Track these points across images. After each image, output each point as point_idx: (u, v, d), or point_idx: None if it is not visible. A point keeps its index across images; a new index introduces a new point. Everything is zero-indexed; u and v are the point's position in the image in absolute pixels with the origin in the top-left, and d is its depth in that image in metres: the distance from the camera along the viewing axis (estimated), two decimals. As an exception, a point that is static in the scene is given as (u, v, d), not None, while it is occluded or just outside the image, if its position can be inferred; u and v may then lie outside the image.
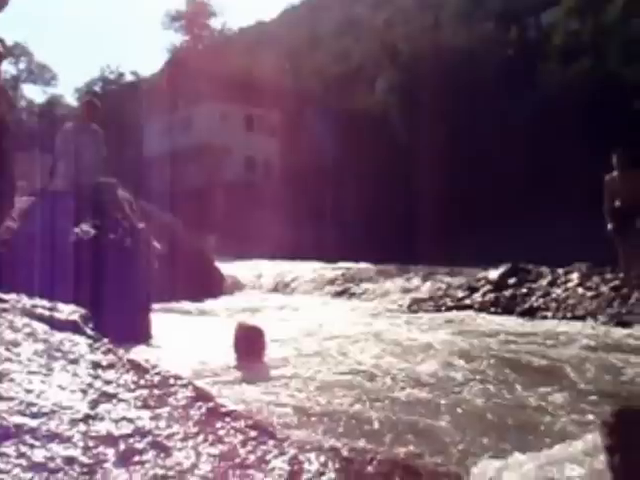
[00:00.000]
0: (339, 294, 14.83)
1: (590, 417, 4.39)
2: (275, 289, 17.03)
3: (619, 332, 8.04)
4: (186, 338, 7.66)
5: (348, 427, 4.17)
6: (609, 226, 10.35)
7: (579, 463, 3.34)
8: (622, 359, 6.32)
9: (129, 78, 64.20)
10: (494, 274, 12.07)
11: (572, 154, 18.12)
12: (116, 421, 2.63)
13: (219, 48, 50.67)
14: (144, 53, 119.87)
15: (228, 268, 17.64)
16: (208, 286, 14.39)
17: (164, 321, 8.87)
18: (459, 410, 4.59)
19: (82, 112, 8.28)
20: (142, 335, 6.86)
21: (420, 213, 25.50)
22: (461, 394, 5.04)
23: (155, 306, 8.35)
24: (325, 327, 8.81)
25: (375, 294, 13.83)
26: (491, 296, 11.02)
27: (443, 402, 4.77)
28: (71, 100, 67.25)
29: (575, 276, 11.14)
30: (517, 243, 16.31)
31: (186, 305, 11.77)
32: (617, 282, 10.59)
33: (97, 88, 61.33)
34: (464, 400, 4.87)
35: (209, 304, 12.60)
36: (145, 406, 2.93)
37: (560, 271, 11.32)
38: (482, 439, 3.99)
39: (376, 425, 4.24)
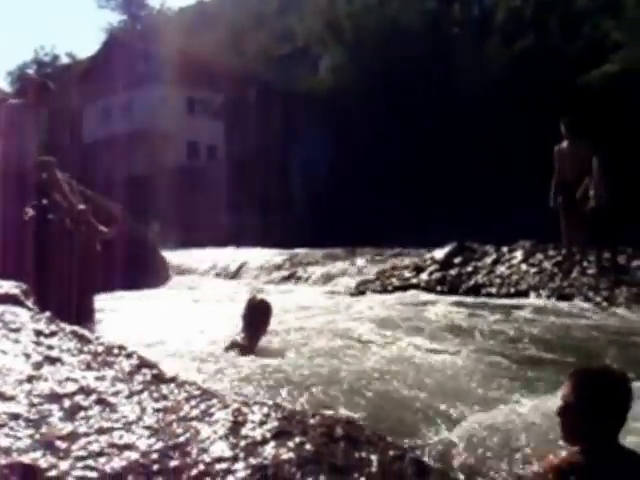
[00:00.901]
0: (286, 279, 15.04)
1: (533, 379, 4.70)
2: (221, 275, 17.17)
3: (561, 304, 8.42)
4: (131, 321, 7.78)
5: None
6: (552, 200, 10.75)
7: (525, 425, 3.66)
8: (563, 326, 6.70)
9: (65, 60, 63.15)
10: (440, 254, 12.40)
11: (520, 131, 18.56)
12: (60, 381, 2.79)
13: (158, 28, 50.10)
14: (80, 33, 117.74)
15: (173, 255, 17.71)
16: (152, 273, 14.44)
17: (108, 306, 8.98)
18: (409, 379, 4.84)
19: (31, 92, 8.22)
20: (84, 317, 6.96)
21: (369, 197, 25.79)
22: (410, 363, 5.31)
23: (98, 293, 8.45)
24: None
25: (322, 277, 14.08)
26: (437, 275, 11.34)
27: (386, 370, 5.03)
28: (3, 84, 65.86)
29: (519, 254, 11.55)
30: (469, 225, 16.68)
31: (130, 292, 11.83)
32: (560, 258, 11.02)
33: (31, 71, 60.11)
34: (414, 368, 5.13)
35: (152, 291, 12.68)
36: (89, 369, 3.10)
37: (504, 249, 11.73)
38: (433, 405, 4.26)
39: (339, 394, 4.44)
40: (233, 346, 5.49)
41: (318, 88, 33.90)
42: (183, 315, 8.72)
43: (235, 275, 16.77)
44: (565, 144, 10.96)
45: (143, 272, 13.51)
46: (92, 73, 49.63)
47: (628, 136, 17.63)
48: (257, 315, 5.79)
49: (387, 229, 20.42)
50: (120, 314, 8.62)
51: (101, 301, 8.79)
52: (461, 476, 3.11)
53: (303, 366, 5.03)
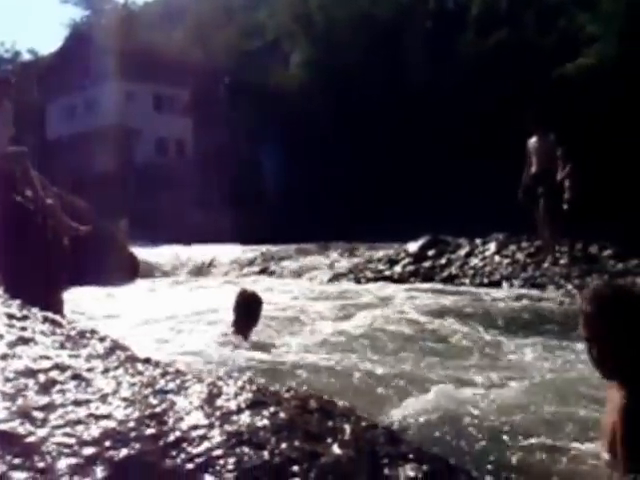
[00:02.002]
0: (258, 274, 15.12)
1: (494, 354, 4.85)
2: (193, 272, 17.20)
3: (533, 292, 8.60)
4: (101, 317, 7.83)
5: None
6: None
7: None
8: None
9: (26, 57, 62.58)
10: (414, 246, 12.58)
11: (494, 124, 18.78)
12: (34, 359, 2.86)
13: (123, 23, 49.81)
14: (42, 29, 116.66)
15: (143, 253, 17.70)
16: (121, 270, 14.45)
17: (78, 303, 9.00)
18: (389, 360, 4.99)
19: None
20: (53, 311, 6.97)
21: (341, 192, 25.91)
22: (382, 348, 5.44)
23: (66, 289, 8.46)
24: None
25: (295, 271, 14.17)
26: (411, 268, 11.51)
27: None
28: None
29: (492, 245, 11.77)
30: (440, 217, 16.86)
31: (99, 289, 11.84)
32: (532, 249, 11.25)
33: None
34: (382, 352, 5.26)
35: (122, 288, 12.70)
36: (63, 348, 3.18)
37: (478, 241, 11.94)
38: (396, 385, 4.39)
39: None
40: (225, 340, 5.61)
41: (289, 83, 33.94)
42: (156, 310, 8.77)
43: (206, 271, 16.82)
44: (534, 138, 11.18)
45: (112, 269, 13.52)
46: (55, 69, 49.30)
47: (601, 130, 17.94)
48: (248, 308, 5.89)
49: (360, 224, 20.58)
50: (89, 310, 8.66)
51: (70, 296, 8.81)
52: (434, 448, 3.23)
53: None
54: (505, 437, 3.25)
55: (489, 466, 2.85)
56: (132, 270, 15.25)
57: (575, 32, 22.47)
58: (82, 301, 9.49)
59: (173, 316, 7.89)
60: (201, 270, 17.19)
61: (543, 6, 25.23)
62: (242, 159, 31.93)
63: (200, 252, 18.93)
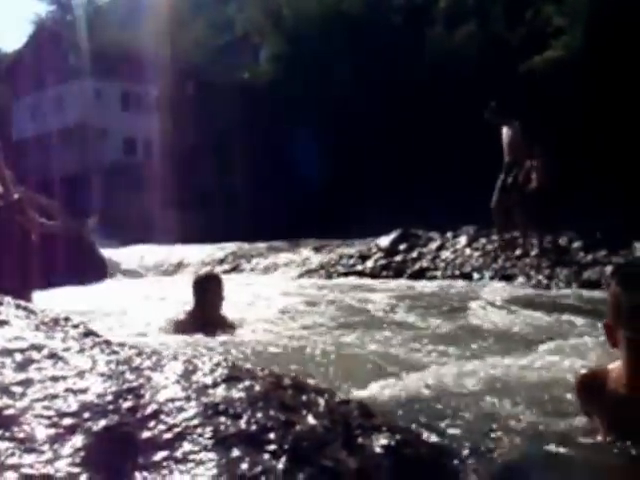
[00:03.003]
0: (229, 272, 15.14)
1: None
2: (162, 272, 17.17)
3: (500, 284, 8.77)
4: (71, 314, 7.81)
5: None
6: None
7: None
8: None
9: (-11, 54, 61.87)
10: (385, 241, 12.71)
11: (464, 117, 18.95)
12: (10, 339, 2.93)
13: (90, 19, 49.44)
14: (5, 26, 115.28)
15: (112, 253, 17.65)
16: (89, 270, 14.40)
17: (46, 302, 8.97)
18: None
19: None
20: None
21: (311, 189, 25.98)
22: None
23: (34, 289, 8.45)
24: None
25: (266, 268, 14.24)
26: (382, 262, 11.63)
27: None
28: None
29: (463, 239, 11.95)
30: (409, 211, 17.00)
31: (66, 289, 11.79)
32: (502, 242, 11.46)
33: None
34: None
35: (90, 288, 12.66)
36: (38, 330, 3.24)
37: (449, 235, 12.09)
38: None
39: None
40: (184, 324, 5.63)
41: (258, 78, 33.93)
42: (125, 307, 8.78)
43: (175, 271, 16.81)
44: (504, 129, 11.38)
45: (80, 269, 13.48)
46: (20, 67, 48.83)
47: (568, 121, 18.21)
48: (203, 285, 5.90)
49: (332, 221, 20.65)
50: (58, 308, 8.64)
51: (37, 296, 8.80)
52: (402, 423, 3.33)
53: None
54: (478, 415, 3.35)
55: (465, 442, 2.94)
56: (100, 270, 15.19)
57: (542, 25, 22.77)
58: (50, 300, 9.46)
59: (141, 311, 7.92)
60: (170, 269, 17.17)
61: (509, 1, 25.46)
62: (211, 158, 31.87)
63: (170, 252, 18.90)
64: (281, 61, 32.30)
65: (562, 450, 2.79)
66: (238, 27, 41.92)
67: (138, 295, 10.77)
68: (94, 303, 9.34)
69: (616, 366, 2.73)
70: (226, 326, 5.75)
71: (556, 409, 3.37)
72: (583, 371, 3.01)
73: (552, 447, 2.81)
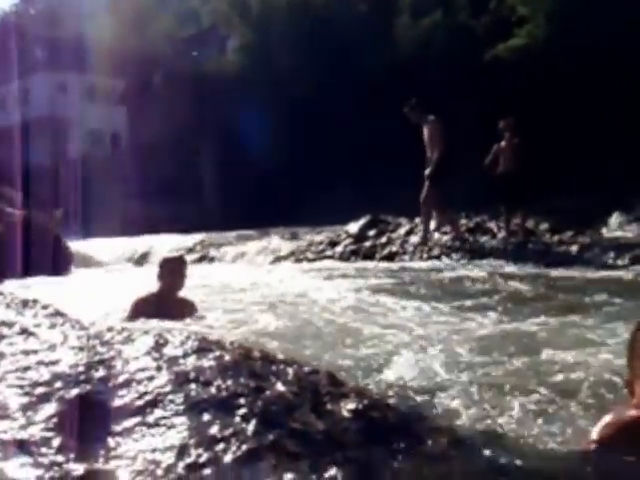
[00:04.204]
0: (199, 260, 15.12)
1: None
2: (130, 262, 17.10)
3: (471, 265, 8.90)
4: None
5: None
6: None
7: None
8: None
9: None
10: (354, 227, 12.78)
11: (429, 106, 19.07)
12: (-19, 318, 2.96)
13: (54, 12, 48.90)
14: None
15: (77, 245, 17.54)
16: (55, 261, 14.29)
17: (12, 292, 8.91)
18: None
19: None
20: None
21: (281, 177, 25.99)
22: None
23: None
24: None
25: (235, 256, 14.23)
26: (352, 247, 11.70)
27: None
28: None
29: (432, 223, 12.04)
30: (378, 197, 17.10)
31: (32, 280, 11.70)
32: (471, 225, 11.62)
33: None
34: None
35: (56, 279, 12.57)
36: (8, 308, 3.28)
37: (417, 220, 12.15)
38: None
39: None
40: (146, 303, 5.69)
41: (225, 69, 33.83)
42: (90, 296, 8.75)
43: (143, 261, 16.74)
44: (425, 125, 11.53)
45: (46, 260, 13.37)
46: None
47: (534, 107, 18.42)
48: (170, 270, 5.94)
49: (302, 209, 20.68)
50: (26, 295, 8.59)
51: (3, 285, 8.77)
52: (374, 391, 3.40)
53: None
54: (449, 384, 3.41)
55: (434, 409, 3.01)
56: (66, 261, 15.08)
57: (507, 14, 22.97)
58: (16, 288, 9.41)
59: (106, 299, 7.90)
60: (138, 260, 17.10)
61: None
62: (179, 149, 31.76)
63: (138, 243, 18.80)
64: (248, 51, 32.22)
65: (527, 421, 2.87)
66: (204, 19, 41.75)
67: (104, 284, 10.75)
68: (59, 292, 9.29)
69: None
70: (186, 307, 5.81)
71: (523, 377, 3.45)
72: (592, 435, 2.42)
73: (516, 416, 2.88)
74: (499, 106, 14.81)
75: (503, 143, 11.50)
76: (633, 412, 2.28)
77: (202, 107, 30.80)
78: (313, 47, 27.65)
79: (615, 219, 12.69)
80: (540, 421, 2.86)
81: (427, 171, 11.16)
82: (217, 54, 38.20)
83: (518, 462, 2.32)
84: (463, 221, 12.13)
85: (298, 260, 11.53)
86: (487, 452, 2.39)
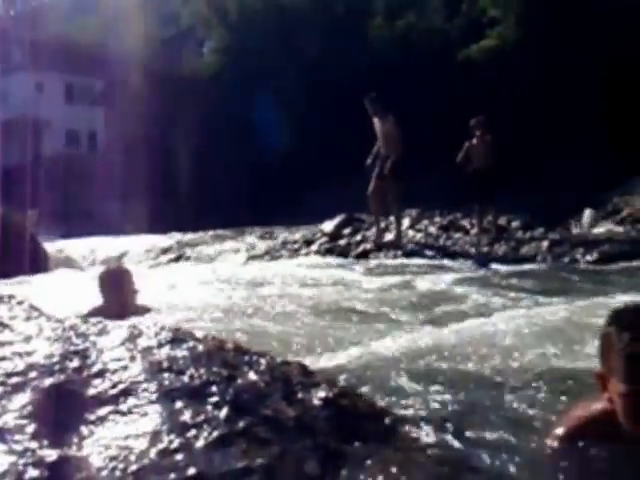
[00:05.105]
0: (174, 260, 15.07)
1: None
2: (106, 262, 16.95)
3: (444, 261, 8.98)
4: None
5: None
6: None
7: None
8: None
9: None
10: (329, 226, 12.83)
11: (407, 106, 19.16)
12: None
13: (34, 13, 48.49)
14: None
15: (55, 245, 17.40)
16: (31, 262, 14.14)
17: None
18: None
19: None
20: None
21: (258, 177, 25.99)
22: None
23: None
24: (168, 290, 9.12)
25: (210, 256, 14.19)
26: (327, 246, 11.73)
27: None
28: None
29: (406, 221, 12.14)
30: (358, 198, 17.14)
31: (8, 280, 11.57)
32: (445, 222, 11.73)
33: None
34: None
35: (31, 279, 12.44)
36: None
37: (392, 218, 12.18)
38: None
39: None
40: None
41: (203, 70, 33.78)
42: (64, 296, 8.69)
43: (119, 261, 16.62)
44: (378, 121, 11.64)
45: (21, 260, 13.23)
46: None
47: (505, 106, 18.57)
48: (110, 284, 5.56)
49: (278, 209, 20.71)
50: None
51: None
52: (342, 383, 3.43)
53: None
54: (423, 378, 3.45)
55: (404, 398, 3.05)
56: (41, 262, 14.92)
57: (478, 16, 23.17)
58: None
59: (78, 300, 7.85)
60: (114, 260, 16.97)
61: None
62: (157, 148, 31.61)
63: (113, 243, 18.68)
64: (224, 54, 32.22)
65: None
66: (183, 20, 41.63)
67: (78, 284, 10.66)
68: (35, 290, 9.23)
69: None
70: (139, 313, 5.36)
71: (495, 377, 3.50)
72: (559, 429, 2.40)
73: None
74: (471, 105, 14.93)
75: (474, 141, 11.63)
76: (602, 405, 2.26)
77: (178, 108, 30.72)
78: (289, 49, 27.71)
79: (587, 216, 12.85)
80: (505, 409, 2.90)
81: (386, 169, 11.21)
82: (195, 55, 38.09)
83: (487, 452, 2.37)
84: (437, 219, 12.25)
85: (273, 258, 11.55)
86: (456, 442, 2.44)
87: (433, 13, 26.20)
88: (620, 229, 11.92)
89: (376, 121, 11.53)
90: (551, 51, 19.39)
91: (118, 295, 5.44)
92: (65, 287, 9.91)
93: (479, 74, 20.79)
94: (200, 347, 2.68)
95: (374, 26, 27.16)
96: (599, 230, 12.11)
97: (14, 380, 2.31)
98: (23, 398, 2.21)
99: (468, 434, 2.55)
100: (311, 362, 3.92)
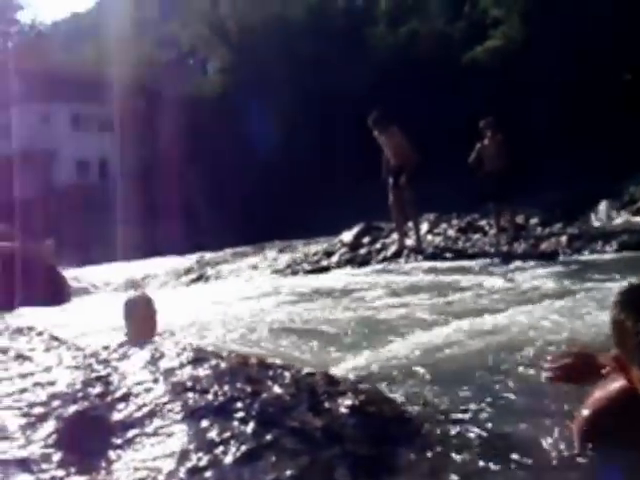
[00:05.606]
0: (196, 280, 15.07)
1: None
2: (128, 287, 17.03)
3: (465, 262, 8.97)
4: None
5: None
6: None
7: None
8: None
9: None
10: (348, 236, 12.79)
11: (414, 112, 19.19)
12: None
13: (32, 44, 48.98)
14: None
15: (75, 273, 17.48)
16: (51, 291, 14.21)
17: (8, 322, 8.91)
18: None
19: None
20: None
21: (274, 193, 26.08)
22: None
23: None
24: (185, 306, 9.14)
25: (232, 274, 14.17)
26: (347, 256, 11.69)
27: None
28: None
29: (424, 226, 12.10)
30: (369, 208, 17.12)
31: (30, 309, 11.65)
32: (462, 225, 11.72)
33: None
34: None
35: (53, 308, 12.51)
36: (2, 336, 3.31)
37: (410, 224, 12.13)
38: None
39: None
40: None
41: (208, 90, 34.03)
42: (87, 323, 8.73)
43: (141, 284, 16.68)
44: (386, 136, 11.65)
45: (41, 290, 13.31)
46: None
47: (516, 102, 18.57)
48: (135, 312, 5.50)
49: (296, 223, 20.70)
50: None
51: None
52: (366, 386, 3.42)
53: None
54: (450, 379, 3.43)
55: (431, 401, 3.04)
56: (62, 290, 14.99)
57: (481, 17, 23.15)
58: (14, 319, 9.40)
59: (106, 325, 7.88)
60: (136, 284, 17.04)
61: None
62: (167, 172, 31.80)
63: (134, 267, 18.75)
64: (229, 71, 32.47)
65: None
66: (183, 42, 41.93)
67: (100, 311, 10.71)
68: (55, 320, 9.26)
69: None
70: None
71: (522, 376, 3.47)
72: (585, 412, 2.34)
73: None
74: (480, 106, 14.94)
75: (485, 141, 11.59)
76: (621, 385, 2.22)
77: (186, 129, 30.91)
78: (293, 63, 27.83)
79: (603, 207, 12.77)
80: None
81: (402, 180, 11.19)
82: (198, 76, 38.36)
83: (518, 451, 2.34)
84: (455, 221, 12.25)
85: (294, 273, 11.52)
86: (485, 444, 2.42)
87: (434, 18, 26.23)
88: (638, 219, 11.87)
89: (382, 138, 11.50)
90: (559, 46, 19.36)
91: (142, 324, 5.44)
92: (86, 315, 9.96)
93: (486, 74, 20.79)
94: (223, 365, 2.69)
95: (376, 35, 27.24)
96: (617, 221, 12.04)
97: (37, 410, 2.33)
98: (47, 427, 2.23)
99: (497, 434, 2.52)
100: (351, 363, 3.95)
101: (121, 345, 3.12)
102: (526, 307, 5.32)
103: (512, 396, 3.00)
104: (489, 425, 2.57)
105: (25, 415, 2.31)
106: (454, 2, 25.43)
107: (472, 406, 2.82)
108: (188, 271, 16.09)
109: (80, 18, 64.26)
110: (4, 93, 42.64)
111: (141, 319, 5.39)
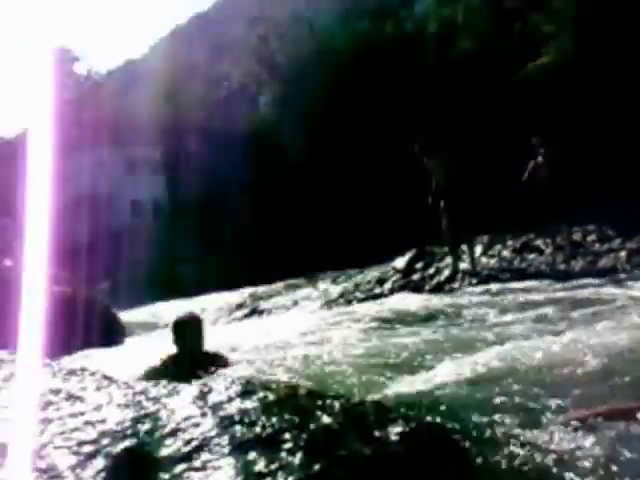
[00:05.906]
0: (249, 315, 15.12)
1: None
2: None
3: (520, 284, 8.86)
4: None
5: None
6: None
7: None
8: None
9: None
10: (401, 262, 12.75)
11: (468, 134, 19.07)
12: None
13: (88, 94, 50.21)
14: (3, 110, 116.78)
15: (129, 314, 17.73)
16: (107, 333, 14.41)
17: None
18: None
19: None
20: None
21: (323, 225, 26.08)
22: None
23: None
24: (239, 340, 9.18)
25: (285, 305, 14.20)
26: (400, 283, 11.65)
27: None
28: None
29: (478, 248, 11.99)
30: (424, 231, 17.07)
31: (87, 352, 11.81)
32: (517, 245, 11.57)
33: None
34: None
35: (110, 350, 12.66)
36: (54, 377, 3.38)
37: (464, 247, 12.04)
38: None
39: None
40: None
41: (260, 124, 34.37)
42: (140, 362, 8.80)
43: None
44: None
45: (94, 333, 13.49)
46: (23, 149, 49.39)
47: (571, 118, 18.30)
48: (185, 331, 5.62)
49: (346, 253, 20.67)
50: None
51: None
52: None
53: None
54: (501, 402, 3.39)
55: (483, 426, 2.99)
56: (118, 331, 15.21)
57: (532, 34, 22.90)
58: (72, 362, 9.52)
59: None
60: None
61: (497, 13, 25.64)
62: (220, 207, 32.15)
63: (188, 304, 18.90)
64: (280, 105, 32.75)
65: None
66: (234, 80, 42.52)
67: (154, 349, 10.78)
68: (109, 361, 9.37)
69: None
70: (211, 363, 5.43)
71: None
72: None
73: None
74: (533, 123, 14.76)
75: (539, 159, 11.44)
76: None
77: (238, 164, 31.18)
78: (342, 94, 27.92)
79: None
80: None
81: (445, 201, 11.15)
82: (249, 112, 38.69)
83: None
84: (509, 242, 12.11)
85: (348, 302, 11.50)
86: (538, 467, 2.37)
87: (485, 36, 26.03)
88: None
89: (432, 162, 11.49)
90: (614, 61, 19.07)
91: (191, 341, 5.57)
92: (140, 353, 10.06)
93: (539, 91, 20.52)
94: (271, 396, 2.70)
95: (426, 58, 27.15)
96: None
97: (87, 448, 2.36)
98: (97, 465, 2.25)
99: (552, 459, 2.48)
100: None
101: (169, 382, 3.15)
102: None
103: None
104: (547, 457, 2.53)
105: (75, 453, 2.34)
106: (505, 19, 25.23)
107: (528, 434, 2.77)
108: (240, 305, 16.16)
109: (134, 65, 65.55)
110: (62, 142, 43.71)
111: (190, 336, 5.53)
